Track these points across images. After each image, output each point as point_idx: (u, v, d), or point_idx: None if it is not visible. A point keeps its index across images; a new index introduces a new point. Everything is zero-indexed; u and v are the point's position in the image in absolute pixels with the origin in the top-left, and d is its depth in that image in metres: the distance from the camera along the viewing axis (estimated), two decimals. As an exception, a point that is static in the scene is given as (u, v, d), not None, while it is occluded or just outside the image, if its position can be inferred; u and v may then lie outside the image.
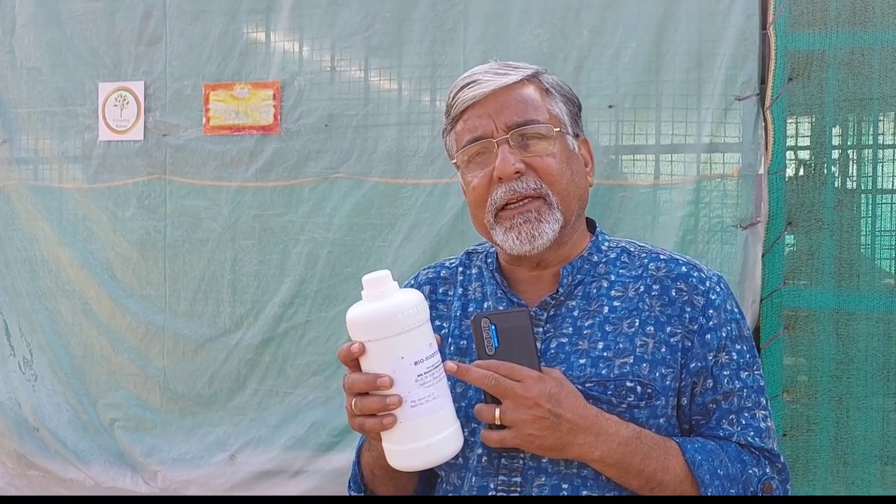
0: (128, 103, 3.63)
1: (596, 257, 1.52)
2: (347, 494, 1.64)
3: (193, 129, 3.53)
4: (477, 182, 1.46)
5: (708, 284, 1.47)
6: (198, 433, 3.51)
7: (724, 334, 1.45)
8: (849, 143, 2.84)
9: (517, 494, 1.39)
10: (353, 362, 1.30)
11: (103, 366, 3.67)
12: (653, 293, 1.46)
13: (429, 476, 1.58)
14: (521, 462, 1.40)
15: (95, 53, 3.66)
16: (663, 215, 2.97)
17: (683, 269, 1.49)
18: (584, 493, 1.38)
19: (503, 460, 1.41)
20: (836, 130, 2.82)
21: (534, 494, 1.38)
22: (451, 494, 1.48)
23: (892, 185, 2.77)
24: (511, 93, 1.46)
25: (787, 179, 2.82)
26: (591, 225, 1.60)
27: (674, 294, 1.46)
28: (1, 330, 3.85)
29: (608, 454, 1.32)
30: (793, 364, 2.82)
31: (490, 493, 1.41)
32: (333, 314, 3.32)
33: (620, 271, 1.51)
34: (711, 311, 1.45)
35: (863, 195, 2.80)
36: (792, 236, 2.83)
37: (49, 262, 3.75)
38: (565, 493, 1.38)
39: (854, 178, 2.81)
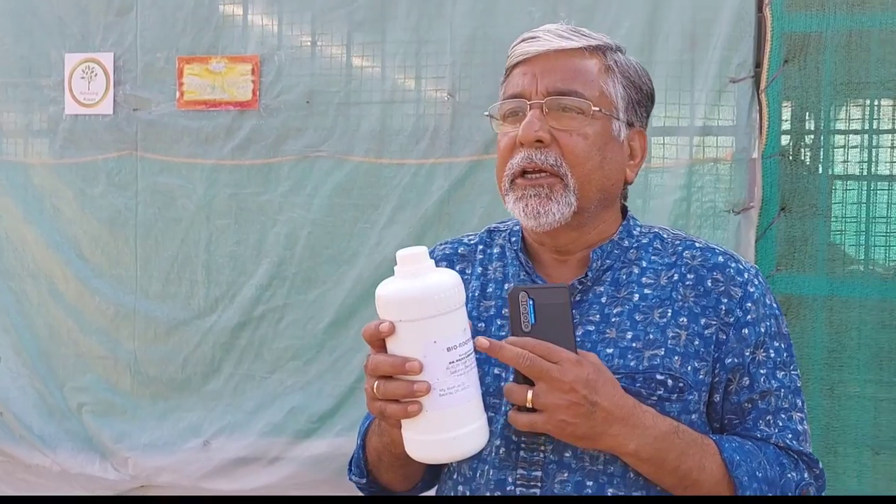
0: (96, 75, 3.49)
1: (627, 242, 1.44)
2: (348, 478, 1.55)
3: (166, 104, 3.41)
4: (504, 143, 1.39)
5: (746, 276, 1.39)
6: (170, 418, 3.41)
7: (762, 330, 1.37)
8: (844, 127, 2.80)
9: (538, 490, 1.31)
10: (379, 342, 1.20)
11: (71, 348, 3.55)
12: (687, 282, 1.38)
13: (437, 465, 1.50)
14: (541, 455, 1.32)
15: (62, 22, 3.52)
16: (655, 199, 2.92)
17: (720, 258, 1.40)
18: (610, 491, 1.30)
19: (522, 453, 1.33)
20: (831, 115, 2.77)
21: (556, 490, 1.30)
22: (461, 486, 1.40)
23: (887, 171, 2.74)
24: (565, 58, 1.37)
25: (780, 164, 2.78)
26: (623, 211, 1.51)
27: (709, 284, 1.38)
28: (-38, 311, 3.71)
29: (643, 448, 1.24)
30: (784, 351, 2.79)
31: (508, 488, 1.32)
32: (313, 297, 3.24)
33: (652, 258, 1.42)
34: (749, 305, 1.37)
35: (857, 181, 2.76)
36: (785, 222, 2.79)
37: (13, 240, 3.61)
38: (589, 492, 1.30)
39: (849, 164, 2.77)
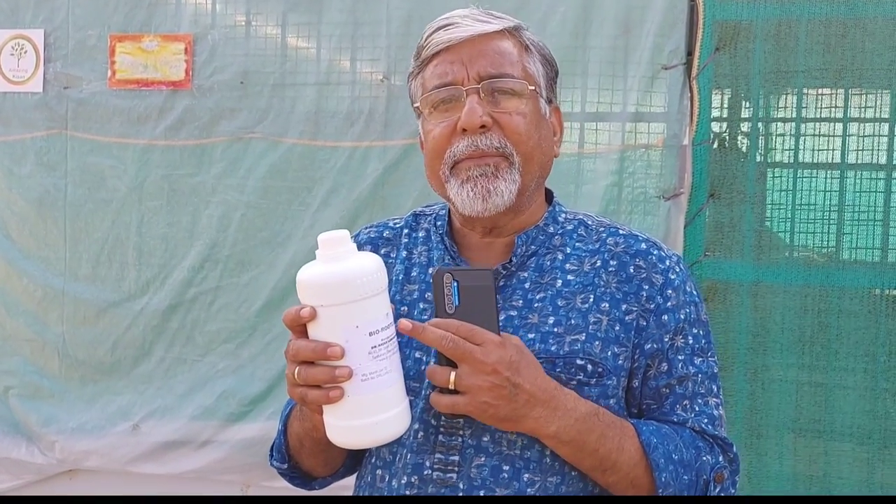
0: (25, 52, 3.41)
1: (552, 228, 1.44)
2: (269, 464, 1.53)
3: (98, 83, 3.34)
4: (439, 132, 1.37)
5: (668, 263, 1.40)
6: (99, 402, 3.35)
7: (682, 317, 1.38)
8: (772, 115, 2.84)
9: (454, 475, 1.31)
10: (300, 328, 1.19)
11: (-4, 330, 3.47)
12: (610, 269, 1.39)
13: (359, 450, 1.49)
14: (459, 440, 1.31)
15: (-9, -3, 3.43)
16: (587, 185, 2.94)
17: (643, 245, 1.41)
18: (526, 475, 1.30)
19: (441, 437, 1.32)
20: (760, 103, 2.82)
21: (472, 474, 1.30)
22: (380, 470, 1.40)
23: (814, 159, 2.78)
24: (489, 42, 1.37)
25: (710, 151, 2.81)
26: (548, 196, 1.52)
27: (631, 271, 1.39)
28: None
29: (564, 430, 1.25)
30: (711, 336, 2.83)
31: (426, 472, 1.32)
32: (246, 280, 3.20)
33: (577, 244, 1.43)
34: (670, 292, 1.38)
35: (784, 169, 2.81)
36: (713, 208, 2.82)
37: (-62, 219, 3.52)
38: (505, 476, 1.30)
39: (776, 152, 2.81)
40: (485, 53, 1.36)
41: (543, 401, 1.23)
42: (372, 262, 1.18)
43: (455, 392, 1.20)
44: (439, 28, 1.39)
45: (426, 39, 1.40)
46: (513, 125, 1.36)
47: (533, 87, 1.39)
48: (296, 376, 1.18)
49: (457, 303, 1.21)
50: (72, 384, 3.39)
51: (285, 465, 1.50)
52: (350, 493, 1.50)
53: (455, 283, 1.22)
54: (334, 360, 1.15)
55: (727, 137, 2.86)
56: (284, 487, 1.62)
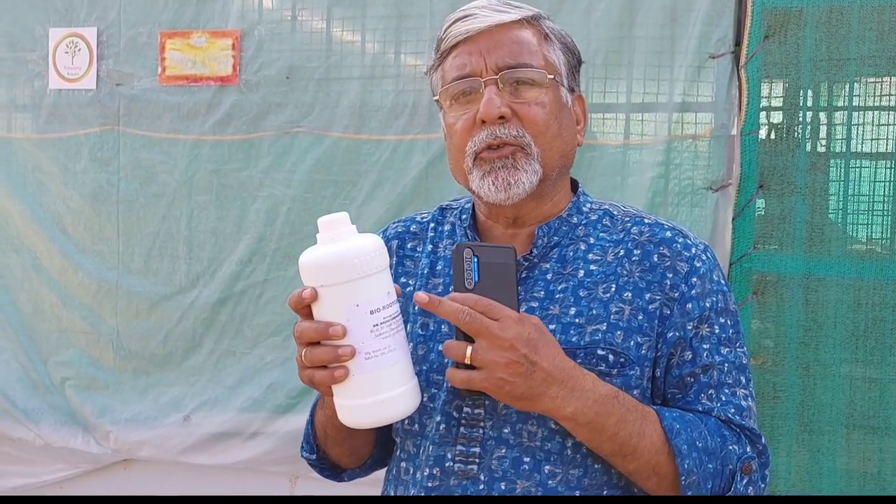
0: (80, 50, 3.48)
1: (576, 219, 1.43)
2: (300, 455, 1.55)
3: (148, 79, 3.39)
4: (460, 125, 1.37)
5: (693, 251, 1.38)
6: (152, 393, 3.42)
7: (707, 305, 1.36)
8: (824, 104, 2.77)
9: (475, 467, 1.31)
10: (305, 310, 1.20)
11: (54, 323, 3.55)
12: (633, 258, 1.37)
13: (386, 441, 1.50)
14: (481, 432, 1.32)
15: (46, -3, 3.50)
16: (633, 176, 2.90)
17: (668, 233, 1.40)
18: (547, 467, 1.29)
19: (462, 429, 1.33)
20: (810, 92, 2.75)
21: (493, 466, 1.30)
22: (404, 462, 1.41)
23: (866, 149, 2.71)
24: (507, 32, 1.37)
25: (759, 141, 2.75)
26: (573, 185, 1.51)
27: (655, 259, 1.36)
28: (-53, 284, 3.71)
29: (581, 412, 1.22)
30: (760, 330, 2.78)
31: (447, 464, 1.33)
32: (293, 273, 3.23)
33: (601, 234, 1.41)
34: (695, 280, 1.36)
35: (836, 159, 2.74)
36: (763, 200, 2.77)
37: (-3, 214, 3.62)
38: (526, 467, 1.29)
39: (828, 142, 2.74)
40: (503, 44, 1.36)
41: (561, 380, 1.21)
42: (370, 242, 1.19)
43: (471, 367, 1.19)
44: (457, 20, 1.39)
45: (445, 31, 1.40)
46: (531, 115, 1.35)
47: (553, 76, 1.38)
48: (303, 358, 1.20)
49: (476, 279, 1.21)
50: (125, 376, 3.46)
51: (314, 456, 1.52)
52: (379, 488, 1.51)
53: (475, 259, 1.21)
54: (337, 340, 1.17)
55: (777, 127, 2.79)
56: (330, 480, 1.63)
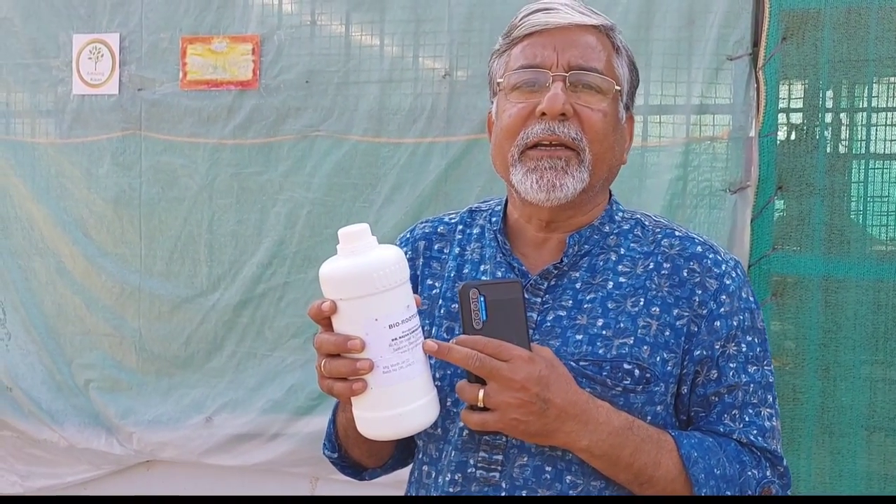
0: (102, 56, 3.52)
1: (607, 228, 1.42)
2: (322, 454, 1.57)
3: (170, 84, 3.43)
4: (515, 111, 1.35)
5: (723, 268, 1.37)
6: (174, 395, 3.45)
7: (735, 323, 1.35)
8: (842, 106, 2.76)
9: (497, 474, 1.32)
10: (325, 320, 1.21)
11: (78, 325, 3.59)
12: (663, 272, 1.36)
13: (408, 442, 1.51)
14: (503, 439, 1.32)
15: (69, 4, 3.54)
16: (651, 178, 2.90)
17: (699, 248, 1.38)
18: (568, 477, 1.30)
19: (486, 436, 1.33)
20: (829, 93, 2.74)
21: (515, 474, 1.31)
22: (426, 466, 1.42)
23: (885, 150, 2.70)
24: (584, 34, 1.36)
25: (778, 143, 2.75)
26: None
27: (685, 274, 1.36)
28: (-27, 288, 3.77)
29: (596, 444, 1.23)
30: (780, 331, 2.77)
31: (469, 470, 1.33)
32: (313, 276, 3.22)
33: (632, 245, 1.40)
34: (724, 297, 1.35)
35: (855, 160, 2.73)
36: (782, 201, 2.76)
37: (22, 218, 3.66)
38: (547, 477, 1.30)
39: (846, 143, 2.73)
40: (578, 44, 1.35)
41: (574, 415, 1.22)
42: (391, 255, 1.18)
43: (485, 409, 1.20)
44: (538, 10, 1.37)
45: (521, 19, 1.38)
46: (592, 120, 1.34)
47: (619, 88, 1.37)
48: (323, 368, 1.21)
49: (484, 317, 1.21)
50: (148, 377, 3.50)
51: (335, 455, 1.53)
52: (402, 487, 1.52)
53: (482, 298, 1.21)
54: (355, 353, 1.17)
55: (796, 128, 2.78)
56: (350, 481, 1.63)
